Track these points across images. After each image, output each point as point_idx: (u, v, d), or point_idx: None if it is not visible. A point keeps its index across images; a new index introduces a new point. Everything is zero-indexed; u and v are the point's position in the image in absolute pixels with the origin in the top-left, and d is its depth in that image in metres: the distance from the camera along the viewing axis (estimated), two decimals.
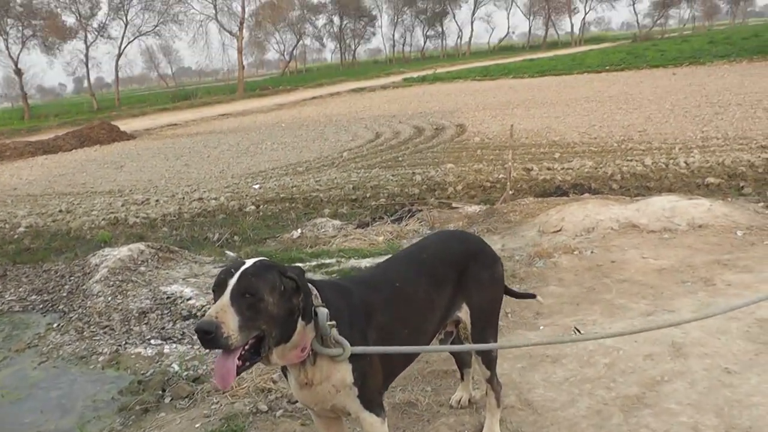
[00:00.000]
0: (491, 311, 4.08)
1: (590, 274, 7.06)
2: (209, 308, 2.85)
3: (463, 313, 3.95)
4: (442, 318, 3.87)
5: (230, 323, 2.75)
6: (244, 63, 72.21)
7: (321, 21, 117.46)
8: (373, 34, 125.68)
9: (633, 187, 12.86)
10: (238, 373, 2.88)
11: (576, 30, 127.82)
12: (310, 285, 3.15)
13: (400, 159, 19.14)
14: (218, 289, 2.89)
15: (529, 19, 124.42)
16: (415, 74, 65.59)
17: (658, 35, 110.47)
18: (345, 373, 3.22)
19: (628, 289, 6.55)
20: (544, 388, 4.74)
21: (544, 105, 28.93)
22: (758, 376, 4.57)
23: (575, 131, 20.57)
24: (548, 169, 15.24)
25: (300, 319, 3.03)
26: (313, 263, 8.57)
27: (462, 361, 4.61)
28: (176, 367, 6.00)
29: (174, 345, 6.57)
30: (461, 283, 3.88)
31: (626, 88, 33.15)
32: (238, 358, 2.85)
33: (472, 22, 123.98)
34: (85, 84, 77.82)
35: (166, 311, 7.39)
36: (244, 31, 72.34)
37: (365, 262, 8.47)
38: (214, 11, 70.32)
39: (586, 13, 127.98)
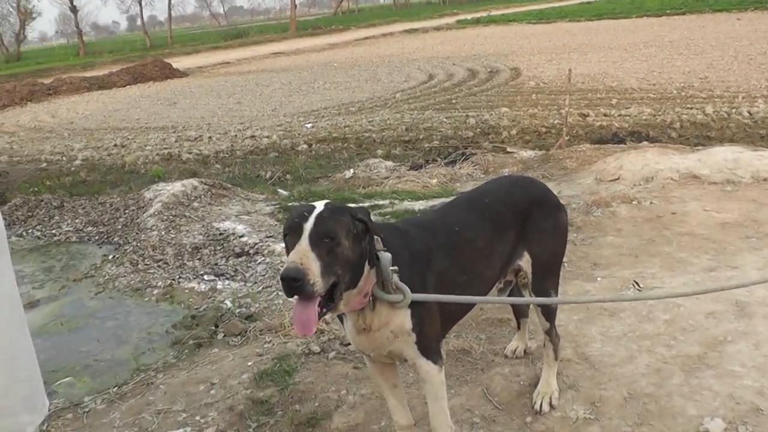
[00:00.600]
0: (553, 261, 3.95)
1: (649, 226, 6.88)
2: (287, 256, 2.73)
3: (525, 262, 3.81)
4: (503, 266, 3.74)
5: (314, 269, 2.64)
6: (296, 2, 71.53)
7: None
8: None
9: (693, 137, 12.54)
10: (319, 320, 2.80)
11: None
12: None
13: (453, 101, 18.92)
14: (292, 232, 2.77)
15: None
16: (469, 16, 64.67)
17: None
18: (404, 319, 3.12)
19: (690, 242, 6.36)
20: (601, 343, 4.63)
21: (602, 49, 28.34)
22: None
23: (633, 77, 20.12)
24: (605, 115, 14.92)
25: (366, 263, 2.91)
26: (366, 204, 8.48)
27: (519, 310, 4.51)
28: (229, 304, 6.01)
29: (227, 281, 6.58)
30: (524, 230, 3.74)
31: (687, 33, 32.28)
32: (318, 306, 2.73)
33: None
34: (138, 22, 78.22)
35: (218, 247, 7.40)
36: None
37: (418, 205, 8.38)
38: None
39: None
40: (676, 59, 23.22)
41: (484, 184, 4.10)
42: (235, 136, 15.97)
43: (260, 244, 7.26)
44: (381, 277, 2.98)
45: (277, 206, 8.54)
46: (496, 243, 3.60)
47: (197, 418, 4.31)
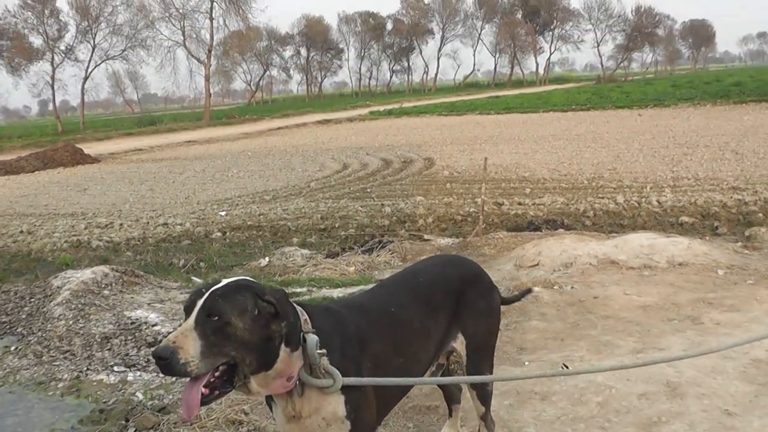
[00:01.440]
0: (488, 342, 3.85)
1: (573, 310, 6.89)
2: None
3: (459, 344, 3.72)
4: (438, 348, 3.62)
5: (189, 348, 2.55)
6: (211, 92, 71.72)
7: (288, 52, 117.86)
8: (340, 67, 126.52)
9: (606, 224, 12.83)
10: (205, 403, 2.68)
11: (541, 69, 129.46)
12: (300, 309, 2.93)
13: (368, 190, 18.96)
14: (187, 310, 2.70)
15: (494, 56, 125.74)
16: (381, 108, 65.70)
17: (622, 77, 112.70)
18: (336, 405, 2.97)
19: (614, 325, 6.38)
20: (535, 427, 4.53)
21: (512, 141, 28.98)
22: (760, 419, 4.40)
23: (545, 167, 20.56)
24: (519, 204, 15.15)
25: (284, 345, 2.78)
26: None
27: (451, 395, 4.37)
28: (140, 396, 5.68)
29: (138, 372, 6.24)
30: (457, 311, 3.64)
31: (593, 127, 33.35)
32: (206, 386, 2.64)
33: (438, 58, 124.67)
34: (50, 107, 76.94)
35: (130, 337, 7.06)
36: (211, 59, 71.97)
37: (337, 292, 8.23)
38: (182, 38, 70.01)
39: (551, 54, 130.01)
40: (584, 151, 23.87)
41: (416, 264, 4.02)
42: (147, 223, 15.60)
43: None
44: (308, 361, 2.85)
45: None
46: (430, 324, 3.49)
47: None
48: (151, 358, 6.46)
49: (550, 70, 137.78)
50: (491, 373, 3.89)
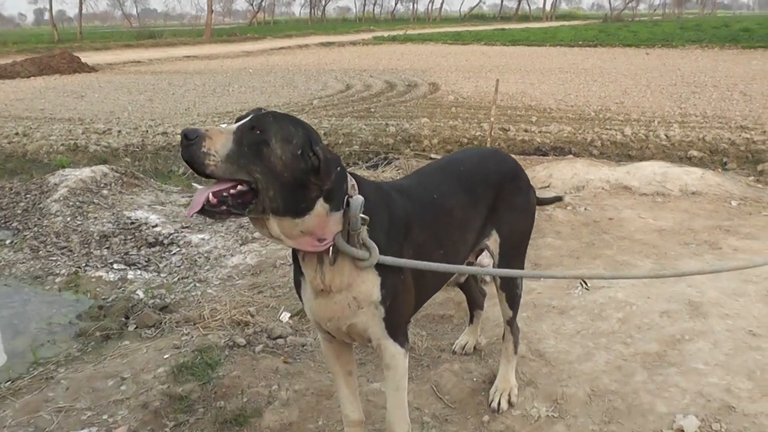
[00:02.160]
0: (522, 241, 3.64)
1: (588, 229, 6.69)
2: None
3: (492, 242, 3.50)
4: (474, 242, 3.40)
5: (218, 143, 2.40)
6: (212, 9, 70.46)
7: None
8: None
9: (614, 155, 12.57)
10: (208, 212, 2.43)
11: (548, 5, 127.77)
12: (350, 176, 2.71)
13: (372, 110, 18.60)
14: (238, 120, 2.54)
15: None
16: (385, 33, 64.71)
17: (629, 18, 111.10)
18: (371, 285, 2.74)
19: (630, 246, 6.19)
20: (555, 340, 4.35)
21: (519, 72, 28.52)
22: None
23: (551, 98, 20.20)
24: (525, 131, 14.85)
25: (322, 200, 2.55)
26: None
27: (474, 300, 4.18)
28: (141, 294, 5.48)
29: (139, 272, 6.04)
30: (494, 206, 3.41)
31: (600, 62, 32.83)
32: (215, 195, 2.41)
33: None
34: (46, 15, 75.59)
35: (129, 236, 6.85)
36: None
37: None
38: None
39: None
40: (591, 85, 23.46)
41: (455, 153, 3.77)
42: (146, 131, 15.23)
43: (175, 234, 6.76)
44: (348, 226, 2.62)
45: None
46: (471, 215, 3.28)
47: (104, 416, 3.81)
48: (151, 258, 6.30)
49: (557, 7, 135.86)
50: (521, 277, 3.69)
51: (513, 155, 11.54)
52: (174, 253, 6.32)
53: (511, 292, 3.67)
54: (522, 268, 3.68)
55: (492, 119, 12.08)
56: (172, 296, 5.39)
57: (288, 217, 2.53)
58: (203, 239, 6.59)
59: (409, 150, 12.99)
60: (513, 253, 3.57)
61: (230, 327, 4.67)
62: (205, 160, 2.37)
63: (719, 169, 10.37)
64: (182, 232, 6.78)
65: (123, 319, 5.04)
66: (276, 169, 2.44)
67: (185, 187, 9.21)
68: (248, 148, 2.42)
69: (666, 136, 13.87)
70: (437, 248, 3.06)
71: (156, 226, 7.02)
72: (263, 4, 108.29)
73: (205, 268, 5.92)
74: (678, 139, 13.61)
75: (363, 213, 2.62)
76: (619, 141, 13.61)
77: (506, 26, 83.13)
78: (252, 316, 4.78)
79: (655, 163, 9.08)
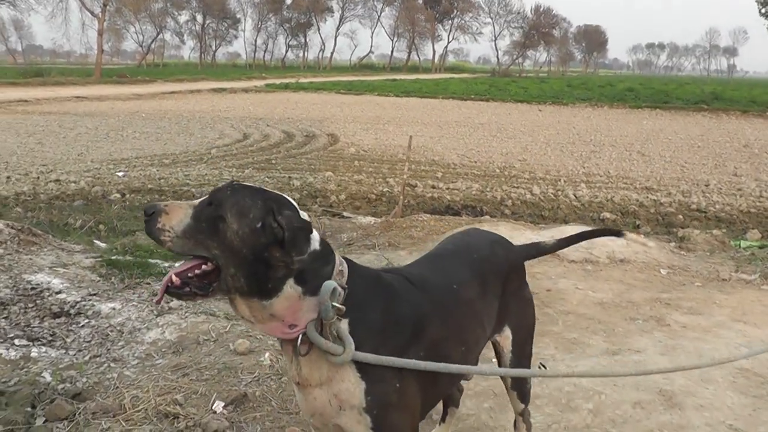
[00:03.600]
0: (530, 335, 3.40)
1: None
2: None
3: (503, 338, 3.21)
4: (489, 336, 3.12)
5: (174, 219, 2.29)
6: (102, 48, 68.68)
7: (183, 17, 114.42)
8: (235, 37, 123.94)
9: (526, 215, 12.54)
10: (172, 294, 2.30)
11: (437, 57, 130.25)
12: (340, 259, 2.45)
13: (273, 162, 18.18)
14: None
15: (392, 40, 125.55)
16: (277, 81, 64.39)
17: (516, 73, 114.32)
18: (353, 387, 2.40)
19: (576, 322, 5.93)
20: None
21: (416, 124, 28.63)
22: None
23: (453, 153, 20.25)
24: (433, 187, 14.73)
25: (293, 281, 2.29)
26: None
27: (451, 396, 3.77)
28: (48, 378, 4.79)
29: (43, 348, 5.33)
30: (504, 299, 3.10)
31: (495, 117, 33.36)
32: (178, 276, 2.29)
33: (335, 37, 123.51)
34: None
35: (31, 305, 6.13)
36: (105, 13, 68.82)
37: None
38: None
39: (448, 42, 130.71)
40: (491, 140, 23.71)
41: (461, 236, 3.43)
42: (38, 178, 14.34)
43: (82, 302, 6.10)
44: (320, 313, 2.34)
45: (99, 259, 7.33)
46: (487, 307, 2.99)
47: None
48: (57, 331, 5.65)
49: (445, 59, 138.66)
50: (530, 367, 3.41)
51: (425, 214, 11.39)
52: (82, 326, 5.66)
53: (522, 388, 3.41)
54: (530, 363, 3.40)
55: (405, 176, 11.81)
56: (85, 380, 4.72)
57: (255, 299, 2.32)
58: (114, 309, 5.96)
59: (317, 206, 12.62)
60: (523, 349, 3.30)
61: (157, 420, 4.11)
62: (160, 236, 2.29)
63: (640, 234, 10.34)
64: (90, 299, 6.14)
65: (29, 409, 4.38)
66: (233, 245, 2.26)
67: (86, 245, 8.51)
68: (205, 223, 2.28)
69: (575, 195, 13.97)
70: (459, 345, 2.77)
71: (60, 292, 6.33)
72: (153, 46, 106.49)
73: (119, 344, 5.30)
74: (587, 199, 13.72)
75: (348, 305, 2.35)
76: (529, 200, 13.61)
77: (397, 77, 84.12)
78: (180, 405, 4.22)
79: (576, 228, 8.95)
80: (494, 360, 3.38)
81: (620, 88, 58.72)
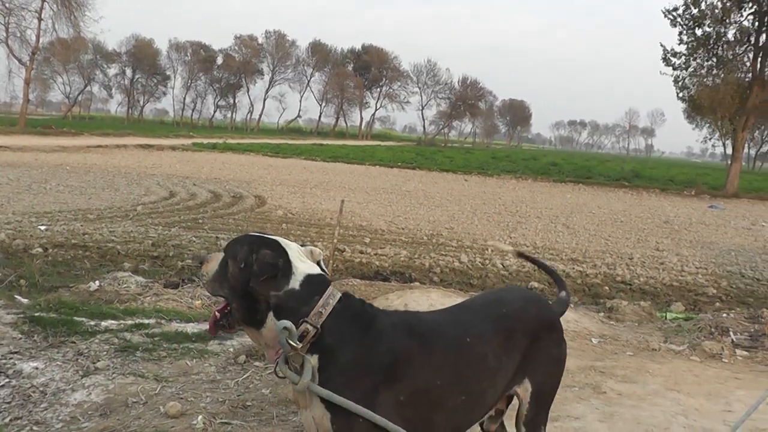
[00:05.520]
0: (551, 392, 3.51)
1: None
2: None
3: (522, 390, 3.36)
4: (504, 389, 3.26)
5: (210, 266, 2.96)
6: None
7: (113, 70, 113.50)
8: (164, 93, 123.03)
9: (455, 282, 12.65)
10: (217, 326, 2.97)
11: (365, 124, 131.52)
12: (328, 299, 2.87)
13: (200, 221, 17.98)
14: None
15: (321, 105, 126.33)
16: (204, 140, 64.02)
17: (442, 143, 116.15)
18: (322, 414, 2.78)
19: None
20: None
21: (343, 189, 28.74)
22: None
23: (381, 219, 20.34)
24: (361, 252, 14.73)
25: (272, 314, 2.83)
26: (129, 322, 7.34)
27: None
28: None
29: None
30: (529, 354, 3.33)
31: (422, 185, 33.73)
32: (219, 311, 2.95)
33: (264, 99, 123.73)
34: None
35: None
36: (34, 62, 67.61)
37: (190, 327, 7.36)
38: (5, 34, 65.04)
39: (376, 110, 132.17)
40: (418, 208, 23.93)
41: (497, 291, 4.03)
42: None
43: (2, 361, 5.89)
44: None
45: (22, 316, 7.08)
46: (504, 362, 3.18)
47: None
48: None
49: (372, 126, 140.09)
50: (545, 428, 3.50)
51: (355, 279, 11.38)
52: (2, 385, 5.43)
53: None
54: (546, 420, 3.51)
55: (335, 241, 11.81)
56: None
57: (252, 328, 2.89)
58: (37, 368, 5.74)
59: (201, 282, 12.49)
60: (541, 405, 3.44)
61: None
62: (203, 279, 3.02)
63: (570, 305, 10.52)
64: (11, 358, 5.92)
65: None
66: (231, 284, 2.84)
67: (7, 300, 8.23)
68: (223, 269, 2.90)
69: (502, 265, 14.16)
70: (458, 395, 3.00)
71: None
72: (80, 98, 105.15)
73: (42, 405, 5.08)
74: (515, 269, 13.91)
75: (323, 342, 2.78)
76: (457, 268, 13.74)
77: (324, 141, 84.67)
78: None
79: None
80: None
81: (544, 162, 60.20)
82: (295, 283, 2.85)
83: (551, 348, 3.43)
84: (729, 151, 58.21)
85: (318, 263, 3.08)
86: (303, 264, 2.94)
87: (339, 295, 2.93)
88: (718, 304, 12.54)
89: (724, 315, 9.46)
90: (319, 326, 2.78)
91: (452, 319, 3.20)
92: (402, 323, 3.00)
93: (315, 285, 2.88)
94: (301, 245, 3.08)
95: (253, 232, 3.04)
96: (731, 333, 8.59)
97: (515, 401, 3.46)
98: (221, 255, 2.94)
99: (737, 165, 47.26)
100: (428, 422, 2.93)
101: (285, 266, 2.85)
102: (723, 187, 45.89)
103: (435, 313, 3.41)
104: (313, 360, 2.78)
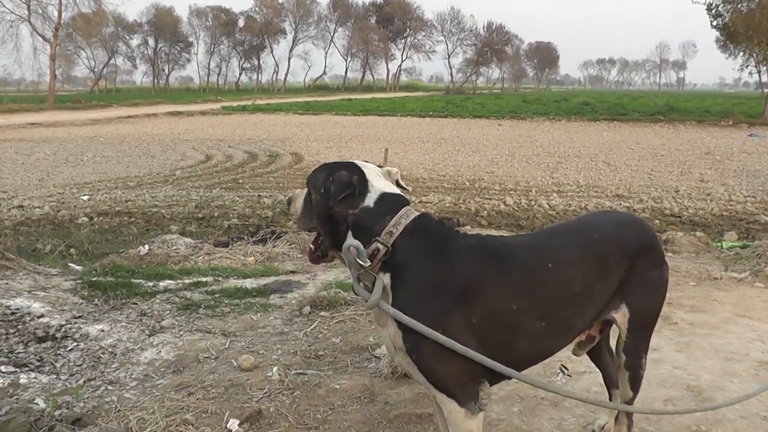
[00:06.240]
0: (651, 319, 3.34)
1: None
2: None
3: (620, 315, 3.20)
4: (596, 315, 3.12)
5: (297, 204, 3.02)
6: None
7: (135, 41, 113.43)
8: (188, 60, 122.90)
9: (503, 224, 12.46)
10: (314, 258, 3.06)
11: (391, 76, 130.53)
12: (401, 219, 2.81)
13: (240, 181, 17.95)
14: None
15: (346, 60, 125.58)
16: (233, 103, 63.93)
17: (470, 90, 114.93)
18: (395, 332, 2.78)
19: None
20: None
21: (378, 141, 28.52)
22: None
23: (421, 167, 20.15)
24: None
25: (351, 236, 2.81)
26: (187, 281, 7.25)
27: (611, 377, 3.67)
28: (42, 404, 4.49)
29: (32, 374, 5.01)
30: (626, 278, 3.13)
31: (457, 132, 33.39)
32: (312, 244, 3.03)
33: (289, 59, 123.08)
34: None
35: (12, 330, 5.81)
36: (58, 38, 67.70)
37: (248, 282, 7.26)
38: (27, 12, 65.19)
39: (402, 61, 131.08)
40: (456, 155, 23.67)
41: (591, 215, 3.66)
42: (0, 204, 13.96)
43: (68, 326, 5.81)
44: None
45: (80, 281, 7.02)
46: (595, 287, 3.05)
47: None
48: (44, 356, 5.35)
49: (399, 78, 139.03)
50: (646, 355, 3.38)
51: None
52: (71, 349, 5.36)
53: (635, 371, 3.35)
54: (647, 349, 3.38)
55: None
56: (82, 404, 4.42)
57: (338, 251, 2.88)
58: (102, 331, 5.66)
59: (291, 222, 12.39)
60: (641, 331, 3.29)
61: None
62: (294, 218, 3.06)
63: None
64: (75, 322, 5.85)
65: None
66: (316, 212, 2.87)
67: (62, 267, 8.19)
68: (308, 203, 2.94)
69: (549, 205, 13.93)
70: (536, 320, 2.88)
71: (42, 316, 6.02)
72: (105, 71, 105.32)
73: (113, 366, 5.01)
74: (561, 208, 13.69)
75: (394, 261, 2.76)
76: (504, 211, 13.55)
77: (352, 96, 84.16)
78: (192, 425, 3.98)
79: None
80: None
81: (575, 102, 59.25)
82: (370, 201, 2.83)
83: (650, 271, 3.22)
84: (765, 78, 57.04)
85: (396, 182, 3.07)
86: (379, 182, 2.92)
87: (414, 214, 2.87)
88: None
89: None
90: (389, 245, 2.75)
91: (534, 243, 3.10)
92: (479, 245, 2.91)
93: (389, 204, 2.85)
94: (378, 166, 3.04)
95: (327, 162, 3.01)
96: None
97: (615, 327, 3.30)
98: (304, 191, 2.97)
99: None
100: (507, 346, 2.86)
101: (361, 184, 2.84)
102: (761, 114, 45.03)
103: (517, 237, 3.39)
104: (384, 278, 2.77)
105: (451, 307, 2.73)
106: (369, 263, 2.72)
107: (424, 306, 2.71)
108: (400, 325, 2.70)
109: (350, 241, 2.72)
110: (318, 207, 2.82)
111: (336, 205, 2.76)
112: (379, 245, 2.74)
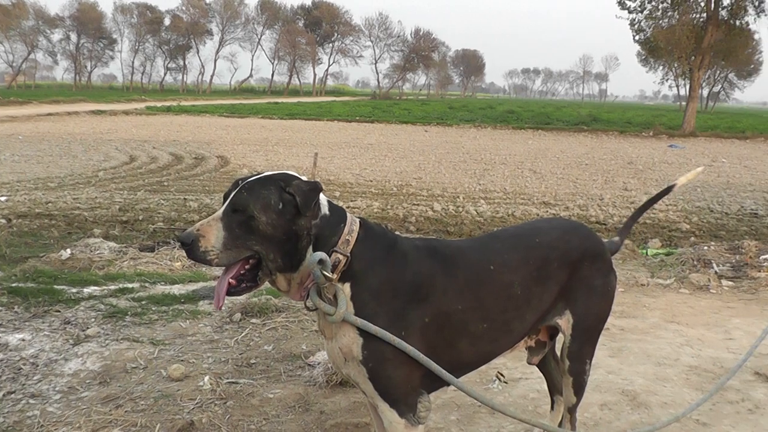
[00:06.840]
0: (596, 326, 3.38)
1: None
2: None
3: (564, 321, 3.28)
4: (537, 321, 3.17)
5: (211, 238, 2.60)
6: None
7: (57, 36, 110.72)
8: (112, 58, 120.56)
9: (431, 231, 12.55)
10: (232, 294, 2.71)
11: (318, 81, 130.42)
12: (352, 226, 2.79)
13: (165, 184, 17.68)
14: (224, 199, 2.72)
15: (273, 63, 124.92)
16: (158, 104, 62.95)
17: (396, 96, 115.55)
18: (351, 342, 2.76)
19: None
20: None
21: (304, 145, 28.43)
22: (733, 428, 4.18)
23: (348, 172, 20.17)
24: None
25: (311, 250, 2.71)
26: (112, 287, 7.12)
27: (555, 383, 3.76)
28: None
29: None
30: (569, 285, 3.22)
31: (384, 138, 33.52)
32: (235, 278, 2.69)
33: (215, 60, 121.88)
34: None
35: None
36: None
37: (176, 288, 7.17)
38: None
39: (329, 65, 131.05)
40: (383, 160, 23.76)
41: (536, 221, 3.66)
42: None
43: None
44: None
45: None
46: (535, 292, 3.12)
47: None
48: None
49: (325, 83, 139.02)
50: (590, 362, 3.44)
51: None
52: None
53: (579, 377, 3.42)
54: (592, 354, 3.45)
55: None
56: (2, 420, 4.24)
57: (286, 273, 2.74)
58: (23, 340, 5.49)
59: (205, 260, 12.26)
60: (585, 337, 3.35)
61: None
62: (207, 257, 2.60)
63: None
64: None
65: None
66: (269, 234, 2.62)
67: None
68: (238, 229, 2.60)
69: (476, 211, 14.11)
70: (479, 321, 2.94)
71: None
72: (23, 66, 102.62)
73: (35, 378, 4.85)
74: (489, 214, 13.87)
75: (353, 270, 2.74)
76: (432, 217, 13.67)
77: (279, 99, 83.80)
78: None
79: None
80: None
81: (501, 110, 60.29)
82: (324, 209, 2.78)
83: (595, 278, 3.28)
84: (683, 92, 58.73)
85: None
86: None
87: (358, 220, 2.88)
88: (692, 238, 12.65)
89: (705, 248, 9.50)
90: (348, 254, 2.73)
91: (478, 246, 3.14)
92: (425, 246, 2.96)
93: (338, 211, 2.85)
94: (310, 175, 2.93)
95: (242, 178, 2.78)
96: (714, 264, 8.64)
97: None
98: (215, 223, 2.62)
99: (694, 104, 47.92)
100: (451, 347, 2.91)
101: None
102: (680, 126, 46.55)
103: (461, 240, 3.43)
104: (345, 289, 2.74)
105: (408, 307, 2.77)
106: (335, 276, 2.70)
107: (385, 310, 2.74)
108: (362, 333, 2.70)
109: (318, 254, 2.64)
110: (274, 227, 2.61)
111: (305, 217, 2.67)
112: (339, 255, 2.71)
